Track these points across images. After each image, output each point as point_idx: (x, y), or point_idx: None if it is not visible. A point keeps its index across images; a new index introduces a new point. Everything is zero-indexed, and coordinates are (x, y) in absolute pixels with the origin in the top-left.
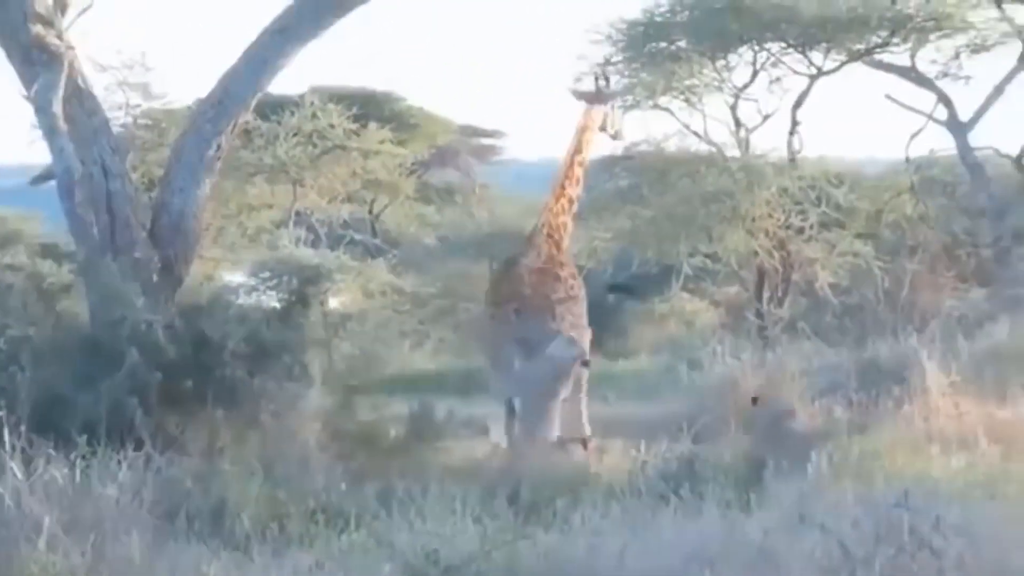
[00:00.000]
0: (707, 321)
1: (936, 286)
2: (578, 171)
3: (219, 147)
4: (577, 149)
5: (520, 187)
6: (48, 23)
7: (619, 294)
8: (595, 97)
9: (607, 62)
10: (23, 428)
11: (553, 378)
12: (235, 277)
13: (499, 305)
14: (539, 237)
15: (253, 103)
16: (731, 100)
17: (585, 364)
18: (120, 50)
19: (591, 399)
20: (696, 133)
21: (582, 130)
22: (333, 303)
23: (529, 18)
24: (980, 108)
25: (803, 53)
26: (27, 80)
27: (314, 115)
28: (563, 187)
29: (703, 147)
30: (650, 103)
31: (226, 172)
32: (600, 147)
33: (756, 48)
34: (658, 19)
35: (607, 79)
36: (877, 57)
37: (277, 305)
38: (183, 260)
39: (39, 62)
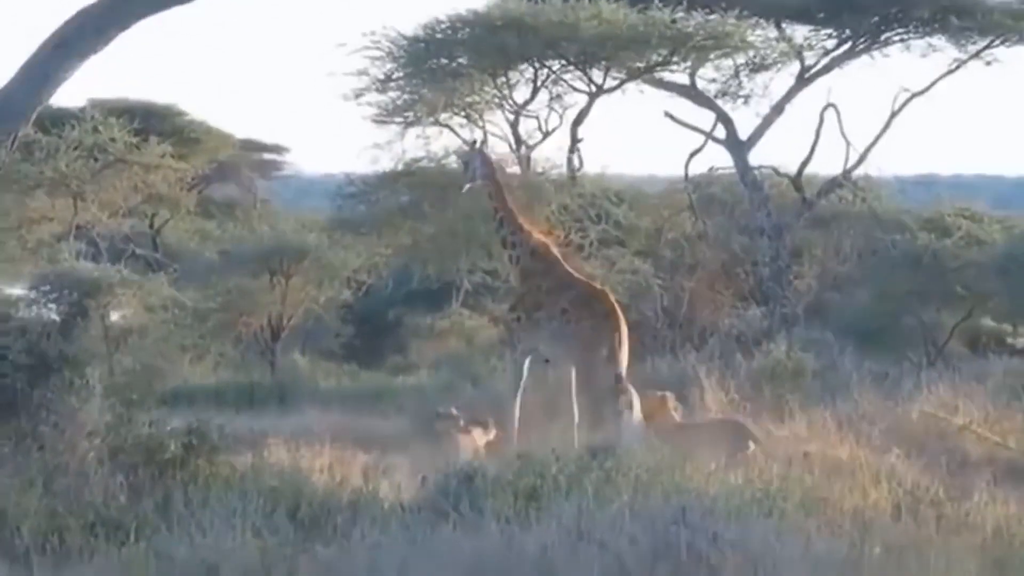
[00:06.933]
0: (487, 337)
1: (715, 304)
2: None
3: None
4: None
5: (301, 202)
6: None
7: (399, 309)
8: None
9: (388, 78)
10: None
11: None
12: (15, 290)
13: (607, 331)
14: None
15: (33, 116)
16: (512, 117)
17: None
18: None
19: (371, 416)
20: None
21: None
22: (114, 317)
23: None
24: (759, 127)
25: (583, 71)
26: None
27: (95, 128)
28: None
29: None
30: (431, 120)
31: (6, 185)
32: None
33: (537, 65)
34: (439, 35)
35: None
36: (657, 75)
37: (57, 318)
38: None
39: None
